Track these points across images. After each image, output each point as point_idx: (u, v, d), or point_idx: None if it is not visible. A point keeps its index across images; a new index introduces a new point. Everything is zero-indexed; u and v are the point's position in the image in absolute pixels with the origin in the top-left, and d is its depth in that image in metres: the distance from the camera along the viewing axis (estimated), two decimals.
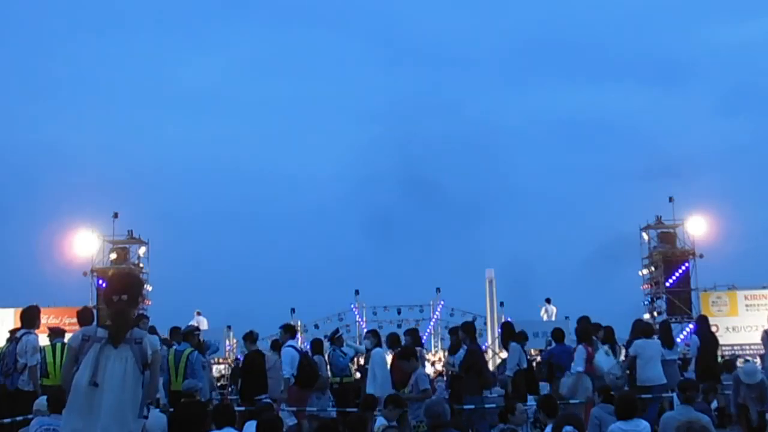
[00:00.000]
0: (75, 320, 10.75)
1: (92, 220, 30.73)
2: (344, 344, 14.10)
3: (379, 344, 12.21)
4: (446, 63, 65.89)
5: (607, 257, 38.18)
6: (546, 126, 60.16)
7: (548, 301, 27.65)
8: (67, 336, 10.74)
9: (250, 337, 12.82)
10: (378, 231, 51.24)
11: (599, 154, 59.42)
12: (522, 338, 12.68)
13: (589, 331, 11.75)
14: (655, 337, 12.33)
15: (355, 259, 47.40)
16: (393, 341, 12.07)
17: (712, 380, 11.63)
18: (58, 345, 10.20)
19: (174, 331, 12.52)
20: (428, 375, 10.15)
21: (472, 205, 54.51)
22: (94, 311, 20.96)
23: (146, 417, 4.83)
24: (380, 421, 8.63)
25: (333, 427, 7.36)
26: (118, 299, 4.88)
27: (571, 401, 10.72)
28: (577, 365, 10.80)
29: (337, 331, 14.66)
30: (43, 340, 10.69)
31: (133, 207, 37.06)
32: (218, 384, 19.73)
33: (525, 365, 11.81)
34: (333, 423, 7.73)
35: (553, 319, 26.75)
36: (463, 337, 11.80)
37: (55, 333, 10.63)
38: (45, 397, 8.17)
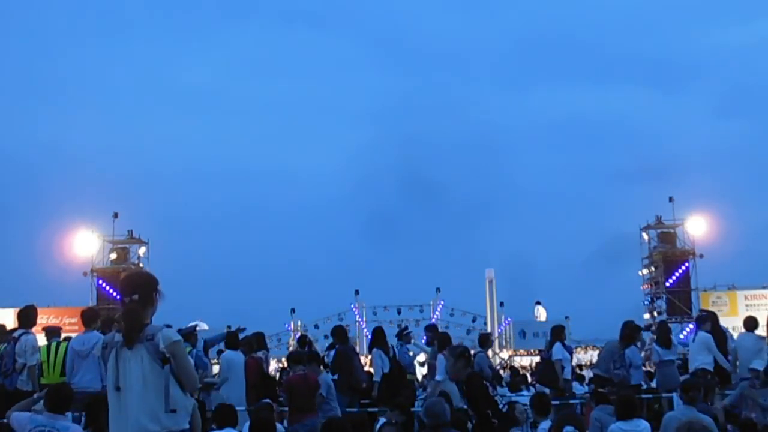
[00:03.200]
0: (75, 320, 10.66)
1: (92, 220, 30.82)
2: (412, 342, 13.97)
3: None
4: (446, 63, 66.08)
5: (607, 257, 38.26)
6: (546, 126, 60.28)
7: (538, 303, 27.73)
8: (64, 335, 10.77)
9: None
10: (378, 231, 51.36)
11: (599, 154, 59.56)
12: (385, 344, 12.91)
13: (450, 340, 11.81)
14: (755, 331, 12.35)
15: (355, 259, 47.49)
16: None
17: (724, 380, 11.68)
18: (53, 344, 10.13)
19: None
20: (330, 383, 10.16)
21: (472, 205, 54.62)
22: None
23: (174, 411, 4.74)
24: (383, 421, 8.68)
25: (341, 425, 7.35)
26: (129, 300, 4.87)
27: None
28: (438, 374, 10.84)
29: (405, 328, 14.62)
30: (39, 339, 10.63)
31: (133, 207, 37.17)
32: None
33: (387, 370, 12.01)
34: (341, 422, 7.71)
35: (542, 319, 26.87)
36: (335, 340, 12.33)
37: (51, 332, 10.56)
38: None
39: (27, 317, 10.11)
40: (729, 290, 28.53)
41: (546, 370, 12.74)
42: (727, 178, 48.57)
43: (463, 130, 57.95)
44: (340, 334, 12.70)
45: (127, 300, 4.88)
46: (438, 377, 10.86)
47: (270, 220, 54.76)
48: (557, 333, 13.07)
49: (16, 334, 9.90)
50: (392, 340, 13.17)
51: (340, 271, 45.74)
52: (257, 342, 12.45)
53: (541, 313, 27.49)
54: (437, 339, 11.87)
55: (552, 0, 64.05)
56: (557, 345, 12.71)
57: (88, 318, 10.18)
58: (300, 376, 9.40)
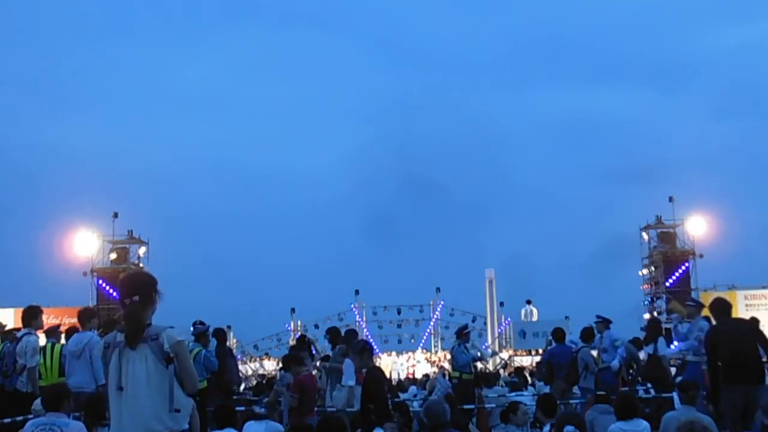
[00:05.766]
0: (75, 320, 10.61)
1: (92, 220, 30.81)
2: (470, 342, 13.69)
3: None
4: (445, 63, 65.96)
5: (607, 257, 38.24)
6: (546, 126, 60.16)
7: (529, 302, 27.75)
8: (62, 337, 10.76)
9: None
10: (378, 231, 51.30)
11: (599, 154, 59.45)
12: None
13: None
14: None
15: (355, 259, 47.42)
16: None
17: None
18: (49, 345, 10.10)
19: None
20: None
21: (471, 205, 54.60)
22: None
23: (178, 411, 4.73)
24: None
25: (338, 423, 7.34)
26: (130, 301, 4.86)
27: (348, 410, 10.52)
28: (348, 379, 10.65)
29: (465, 326, 14.32)
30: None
31: (133, 207, 37.10)
32: None
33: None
34: (338, 421, 7.71)
35: (534, 319, 26.91)
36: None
37: (50, 333, 10.55)
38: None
39: (30, 317, 10.07)
40: (729, 290, 28.49)
41: (653, 366, 12.25)
42: (727, 178, 48.50)
43: (463, 130, 57.90)
44: (219, 336, 12.25)
45: (127, 301, 4.87)
46: (350, 382, 10.63)
47: (270, 220, 54.73)
48: (656, 328, 12.65)
49: (19, 334, 9.87)
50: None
51: (340, 271, 45.68)
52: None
53: (533, 313, 27.57)
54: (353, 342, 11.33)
55: (551, 0, 64.08)
56: (661, 340, 12.38)
57: (84, 318, 10.17)
58: (308, 376, 9.45)
